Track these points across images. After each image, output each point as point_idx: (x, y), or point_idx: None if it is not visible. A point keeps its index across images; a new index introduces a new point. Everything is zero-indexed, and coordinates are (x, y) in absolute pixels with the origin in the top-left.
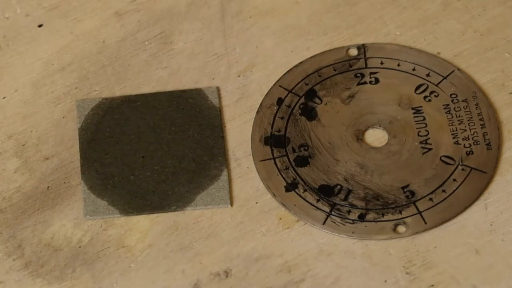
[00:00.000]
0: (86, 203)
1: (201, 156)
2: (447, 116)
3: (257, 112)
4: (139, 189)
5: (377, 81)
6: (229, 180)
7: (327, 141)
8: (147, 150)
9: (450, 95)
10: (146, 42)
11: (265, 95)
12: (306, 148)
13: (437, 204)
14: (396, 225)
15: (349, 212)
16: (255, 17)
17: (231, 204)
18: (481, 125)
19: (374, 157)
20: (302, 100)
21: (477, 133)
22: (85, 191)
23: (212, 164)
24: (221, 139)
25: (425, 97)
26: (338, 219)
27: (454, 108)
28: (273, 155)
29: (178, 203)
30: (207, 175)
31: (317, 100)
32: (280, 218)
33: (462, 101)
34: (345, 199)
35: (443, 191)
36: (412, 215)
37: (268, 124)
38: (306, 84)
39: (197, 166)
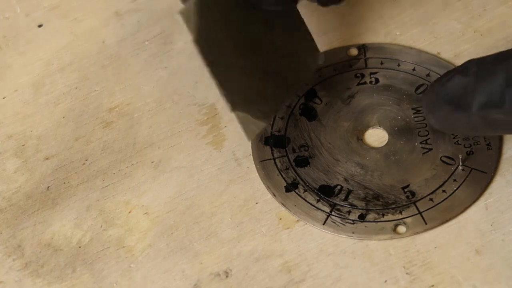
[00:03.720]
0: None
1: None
2: None
3: None
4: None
5: (377, 81)
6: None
7: (327, 141)
8: (245, 51)
9: None
10: (146, 42)
11: None
12: (306, 148)
13: (437, 204)
14: (396, 225)
15: (349, 212)
16: None
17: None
18: None
19: (374, 157)
20: (302, 100)
21: None
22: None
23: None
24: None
25: None
26: (338, 219)
27: None
28: (273, 155)
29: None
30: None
31: (317, 100)
32: (280, 218)
33: None
34: (345, 199)
35: (443, 191)
36: (412, 215)
37: (268, 124)
38: (306, 84)
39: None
